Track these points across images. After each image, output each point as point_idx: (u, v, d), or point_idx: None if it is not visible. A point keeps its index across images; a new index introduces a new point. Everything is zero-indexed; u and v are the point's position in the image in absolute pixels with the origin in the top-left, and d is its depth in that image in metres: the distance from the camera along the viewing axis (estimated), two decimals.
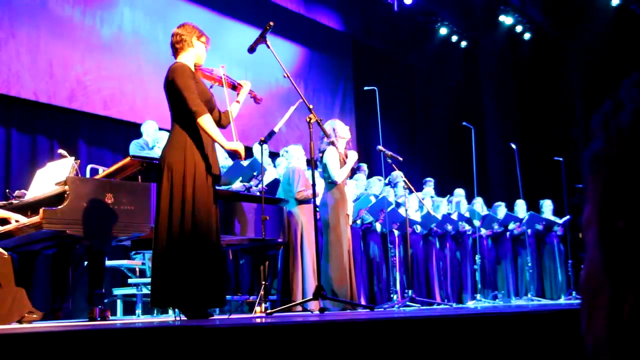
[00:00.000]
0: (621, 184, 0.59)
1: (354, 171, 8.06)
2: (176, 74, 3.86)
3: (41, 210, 3.97)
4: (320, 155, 5.57)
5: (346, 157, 5.61)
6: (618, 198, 0.59)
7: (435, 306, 6.79)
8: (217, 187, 4.05)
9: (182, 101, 3.83)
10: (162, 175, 3.82)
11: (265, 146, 5.47)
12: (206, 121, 3.82)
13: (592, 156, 0.63)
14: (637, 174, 0.58)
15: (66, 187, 4.09)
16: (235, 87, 4.28)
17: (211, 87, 4.13)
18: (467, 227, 8.56)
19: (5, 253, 4.16)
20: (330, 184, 5.53)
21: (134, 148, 6.48)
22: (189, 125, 3.86)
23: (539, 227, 9.09)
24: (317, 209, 5.43)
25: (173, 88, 3.85)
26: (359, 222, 7.15)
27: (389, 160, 6.31)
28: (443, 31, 12.52)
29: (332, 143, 5.54)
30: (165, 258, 3.71)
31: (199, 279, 3.71)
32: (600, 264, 0.61)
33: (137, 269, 6.21)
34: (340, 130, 5.63)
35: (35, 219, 4.03)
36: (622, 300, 0.58)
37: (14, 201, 4.58)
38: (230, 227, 5.27)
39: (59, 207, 4.02)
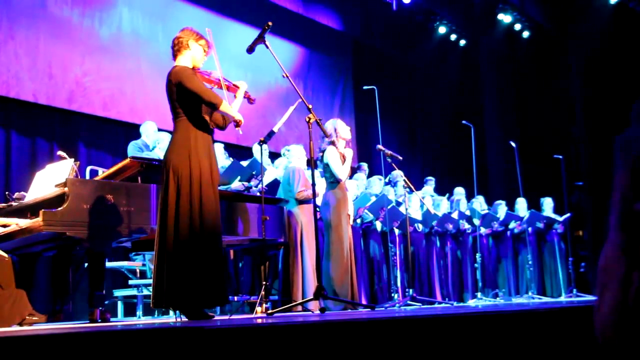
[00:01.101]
0: None
1: (353, 170, 8.07)
2: (181, 76, 3.90)
3: (41, 212, 3.97)
4: (321, 154, 5.57)
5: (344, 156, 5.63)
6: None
7: (436, 305, 6.79)
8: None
9: (196, 99, 3.89)
10: (166, 177, 3.84)
11: (265, 146, 5.46)
12: (226, 106, 4.00)
13: (624, 142, 0.63)
14: None
15: (66, 189, 4.09)
16: (230, 88, 4.28)
17: (211, 88, 4.13)
18: (467, 225, 8.56)
19: (6, 255, 4.15)
20: (332, 183, 5.53)
21: (133, 149, 6.47)
22: (192, 126, 3.90)
23: (540, 225, 9.09)
24: (318, 209, 5.43)
25: (182, 90, 3.89)
26: (358, 221, 7.14)
27: (389, 160, 6.31)
28: (442, 30, 12.51)
29: (333, 143, 5.54)
30: (173, 260, 3.72)
31: (207, 279, 3.74)
32: (617, 246, 0.62)
33: (138, 270, 6.21)
34: (342, 130, 5.63)
35: (35, 220, 4.03)
36: (630, 282, 0.59)
37: (14, 203, 4.57)
38: (233, 227, 5.27)
39: (59, 208, 4.02)
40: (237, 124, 4.10)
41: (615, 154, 0.65)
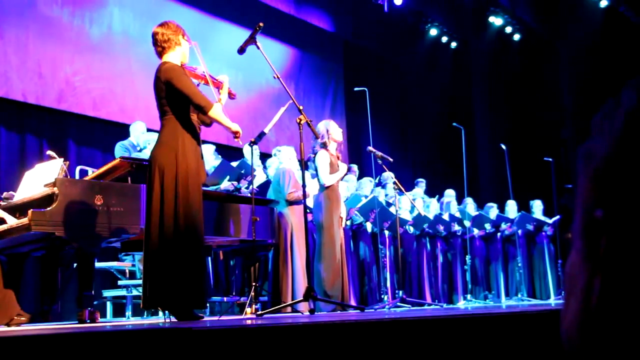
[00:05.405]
0: (606, 178, 0.63)
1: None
2: (171, 74, 3.82)
3: (30, 212, 3.94)
4: (313, 156, 5.59)
5: (337, 158, 5.63)
6: (600, 190, 0.62)
7: (425, 307, 6.80)
8: (205, 188, 4.04)
9: (185, 100, 3.82)
10: (152, 175, 3.79)
11: (255, 147, 5.46)
12: (217, 111, 3.88)
13: (585, 151, 0.66)
14: (622, 170, 0.61)
15: (55, 189, 4.06)
16: (214, 84, 4.21)
17: (197, 85, 4.08)
18: (458, 227, 8.58)
19: None
20: (324, 185, 5.54)
21: (120, 150, 6.43)
22: (179, 126, 3.84)
23: (530, 227, 9.12)
24: (308, 210, 5.43)
25: (171, 89, 3.81)
26: (348, 222, 7.14)
27: (380, 161, 6.32)
28: (433, 32, 12.55)
29: (324, 145, 5.55)
30: (158, 260, 3.69)
31: (191, 280, 3.71)
32: (579, 252, 0.64)
33: (127, 271, 6.18)
34: (334, 131, 5.63)
35: (24, 220, 4.00)
36: (592, 288, 0.61)
37: (2, 203, 4.54)
38: (224, 228, 5.25)
39: (48, 208, 3.99)
40: (235, 135, 3.98)
41: (577, 163, 0.68)
